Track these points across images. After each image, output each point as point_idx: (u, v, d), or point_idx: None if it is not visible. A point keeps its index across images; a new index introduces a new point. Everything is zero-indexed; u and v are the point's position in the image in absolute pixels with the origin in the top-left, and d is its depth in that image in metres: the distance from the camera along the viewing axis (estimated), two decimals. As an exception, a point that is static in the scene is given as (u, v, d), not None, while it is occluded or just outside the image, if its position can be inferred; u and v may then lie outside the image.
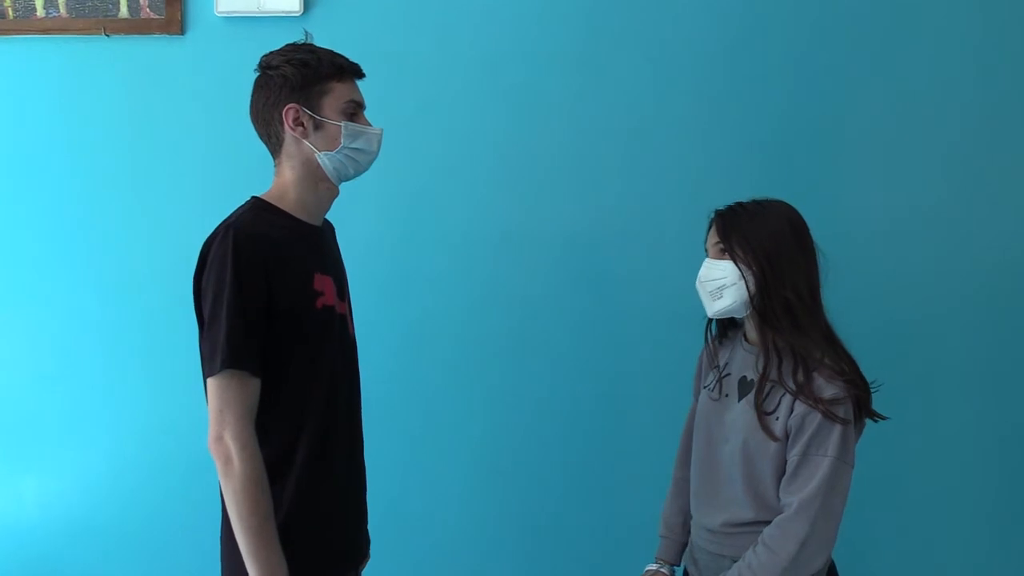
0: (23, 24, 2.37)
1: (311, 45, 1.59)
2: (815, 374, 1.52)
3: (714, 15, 2.36)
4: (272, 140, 1.58)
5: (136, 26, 2.36)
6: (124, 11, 2.36)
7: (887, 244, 2.37)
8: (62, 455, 2.46)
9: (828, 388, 1.51)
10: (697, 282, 1.65)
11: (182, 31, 2.37)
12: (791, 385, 1.53)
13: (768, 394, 1.56)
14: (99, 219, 2.41)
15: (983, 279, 2.38)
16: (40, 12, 2.37)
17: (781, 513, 1.52)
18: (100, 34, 2.37)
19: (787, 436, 1.53)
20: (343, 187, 1.65)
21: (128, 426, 2.44)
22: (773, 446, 1.53)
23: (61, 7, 2.37)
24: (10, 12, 2.37)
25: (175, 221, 2.38)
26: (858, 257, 2.31)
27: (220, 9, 2.34)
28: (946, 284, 2.38)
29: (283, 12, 2.33)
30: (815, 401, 1.50)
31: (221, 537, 1.53)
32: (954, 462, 2.41)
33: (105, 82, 2.39)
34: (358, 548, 1.69)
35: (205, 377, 1.45)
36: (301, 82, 1.53)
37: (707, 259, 1.64)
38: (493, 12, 2.36)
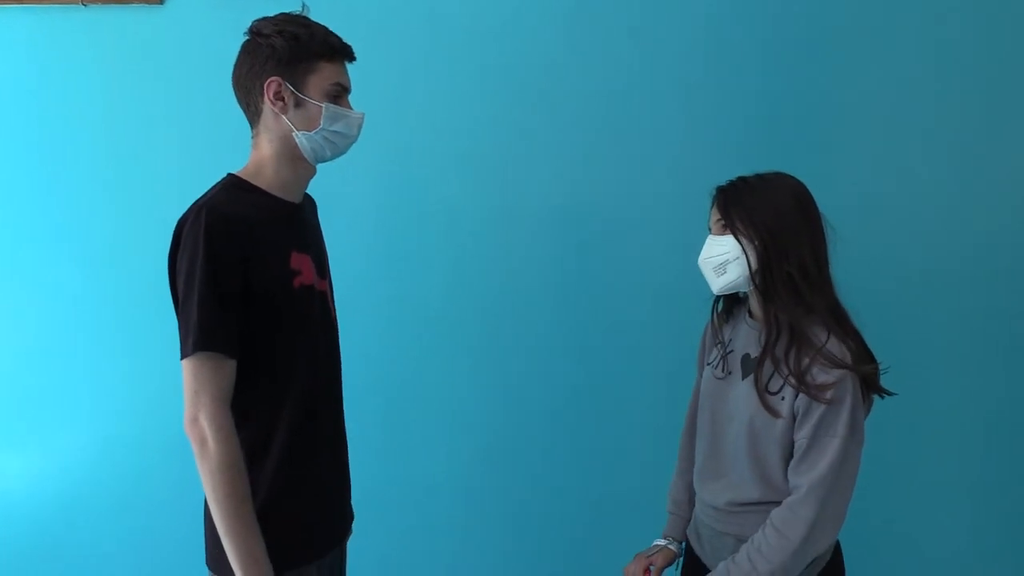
0: (-2, -7, 2.32)
1: (306, 19, 1.54)
2: (811, 362, 1.49)
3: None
4: (251, 108, 1.54)
5: (114, -5, 2.32)
6: (102, -20, 2.32)
7: (877, 225, 2.35)
8: (47, 433, 2.45)
9: (823, 375, 1.48)
10: (700, 260, 1.62)
11: (161, 0, 2.32)
12: (785, 370, 1.51)
13: (773, 374, 1.54)
14: (78, 194, 2.38)
15: (974, 262, 2.36)
16: (15, -19, 2.32)
17: (788, 493, 1.52)
18: (77, 3, 2.31)
19: (794, 417, 1.51)
20: (326, 164, 1.62)
21: (113, 404, 2.43)
22: (779, 426, 1.52)
23: (37, -25, 2.32)
24: (-16, -19, 2.31)
25: (155, 195, 2.35)
26: (846, 238, 2.30)
27: (200, -23, 2.30)
28: (936, 266, 2.37)
29: (264, -19, 2.28)
30: (810, 389, 1.48)
31: (204, 517, 1.52)
32: (944, 442, 2.42)
33: (83, 52, 2.35)
34: (341, 526, 1.69)
35: (181, 359, 1.43)
36: (289, 56, 1.49)
37: (709, 236, 1.61)
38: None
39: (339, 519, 1.68)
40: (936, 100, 2.32)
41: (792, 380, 1.50)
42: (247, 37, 1.54)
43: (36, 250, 2.40)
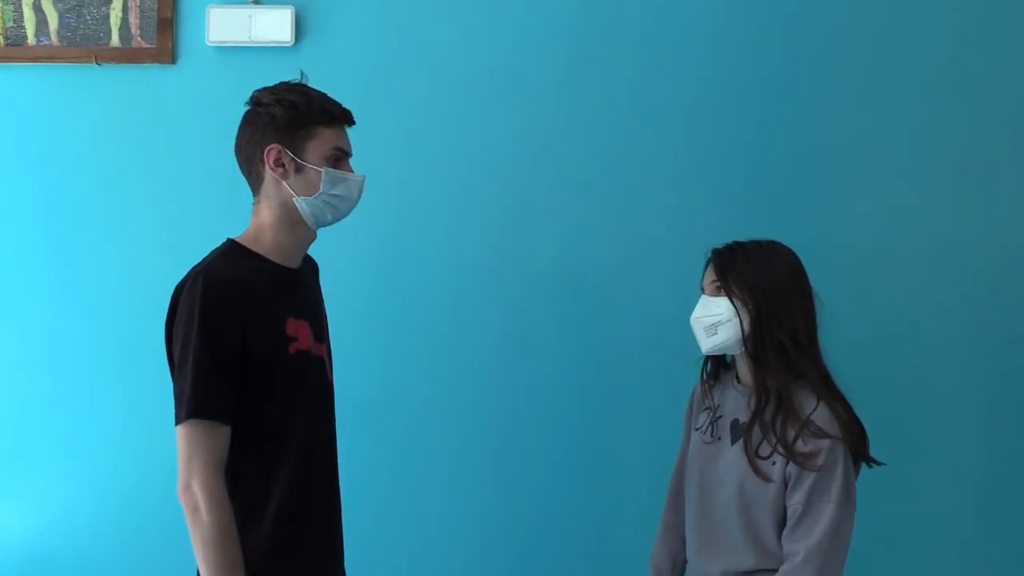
0: (13, 52, 2.36)
1: (304, 87, 1.58)
2: (799, 433, 1.50)
3: (704, 25, 2.35)
4: (252, 177, 1.57)
5: (127, 55, 2.36)
6: (115, 40, 2.36)
7: (878, 259, 2.35)
8: (45, 485, 2.42)
9: (812, 443, 1.50)
10: (692, 319, 1.64)
11: (173, 60, 2.37)
12: (773, 438, 1.52)
13: (763, 440, 1.54)
14: (87, 247, 2.39)
15: (978, 297, 2.35)
16: (31, 40, 2.37)
17: (782, 559, 1.51)
18: (91, 62, 2.36)
19: (786, 482, 1.51)
20: None
21: (111, 454, 2.40)
22: (771, 492, 1.52)
23: (52, 35, 2.37)
24: (1, 40, 2.36)
25: (163, 249, 2.35)
26: (848, 271, 2.31)
27: (211, 39, 2.33)
28: (938, 301, 2.35)
29: (274, 42, 2.32)
30: (797, 456, 1.49)
31: None
32: (942, 487, 2.38)
33: (95, 111, 2.38)
34: None
35: (175, 425, 1.44)
36: (288, 123, 1.51)
37: (703, 296, 1.64)
38: (481, 46, 2.36)
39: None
40: (938, 138, 2.35)
41: (780, 449, 1.51)
42: (248, 107, 1.57)
43: (40, 301, 2.40)
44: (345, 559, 1.72)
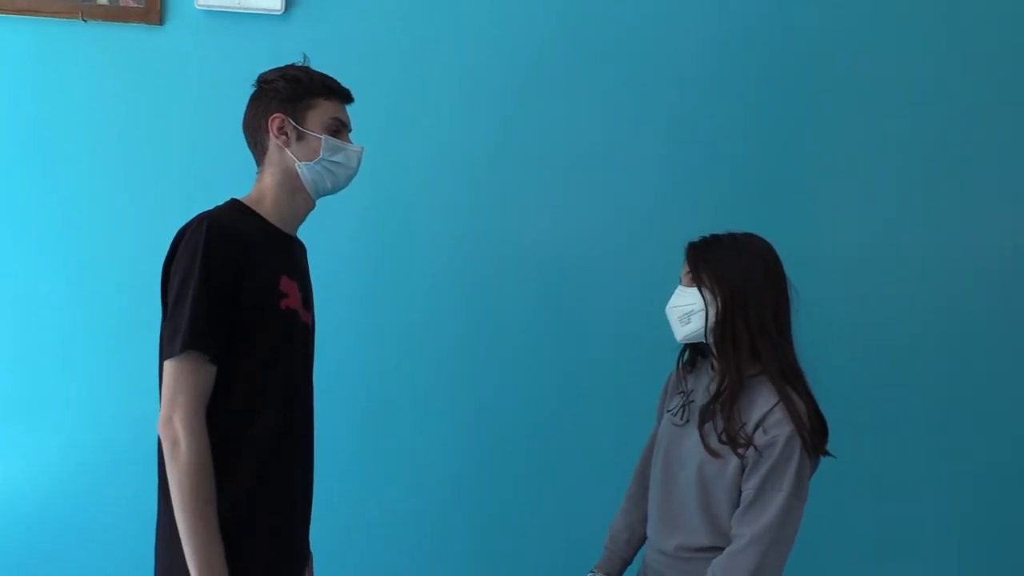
0: (-2, 2, 2.34)
1: (307, 67, 1.68)
2: (757, 426, 1.55)
3: (689, 30, 2.41)
4: (258, 148, 1.64)
5: (114, 13, 2.35)
6: (103, -3, 2.35)
7: (858, 264, 2.43)
8: (16, 439, 2.40)
9: (768, 433, 1.54)
10: (667, 308, 1.69)
11: (161, 21, 2.36)
12: (720, 424, 1.57)
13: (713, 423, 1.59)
14: (66, 205, 2.38)
15: (956, 302, 2.45)
16: (17, -8, 2.35)
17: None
18: (77, 18, 2.35)
19: (743, 467, 1.56)
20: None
21: (84, 412, 2.40)
22: (729, 475, 1.56)
23: (39, -12, 2.35)
24: (-15, -11, 2.34)
25: (143, 210, 2.36)
26: (829, 275, 2.39)
27: (200, 2, 2.33)
28: (918, 306, 2.44)
29: (264, 10, 2.32)
30: (736, 445, 1.54)
31: (156, 534, 1.54)
32: (912, 490, 2.47)
33: (79, 67, 2.37)
34: (303, 551, 1.70)
35: (163, 360, 1.48)
36: (290, 95, 1.61)
37: (679, 286, 1.69)
38: (474, 21, 2.39)
39: (302, 543, 1.69)
40: (918, 142, 2.43)
41: (723, 436, 1.56)
42: (254, 88, 1.65)
43: (16, 256, 2.38)
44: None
